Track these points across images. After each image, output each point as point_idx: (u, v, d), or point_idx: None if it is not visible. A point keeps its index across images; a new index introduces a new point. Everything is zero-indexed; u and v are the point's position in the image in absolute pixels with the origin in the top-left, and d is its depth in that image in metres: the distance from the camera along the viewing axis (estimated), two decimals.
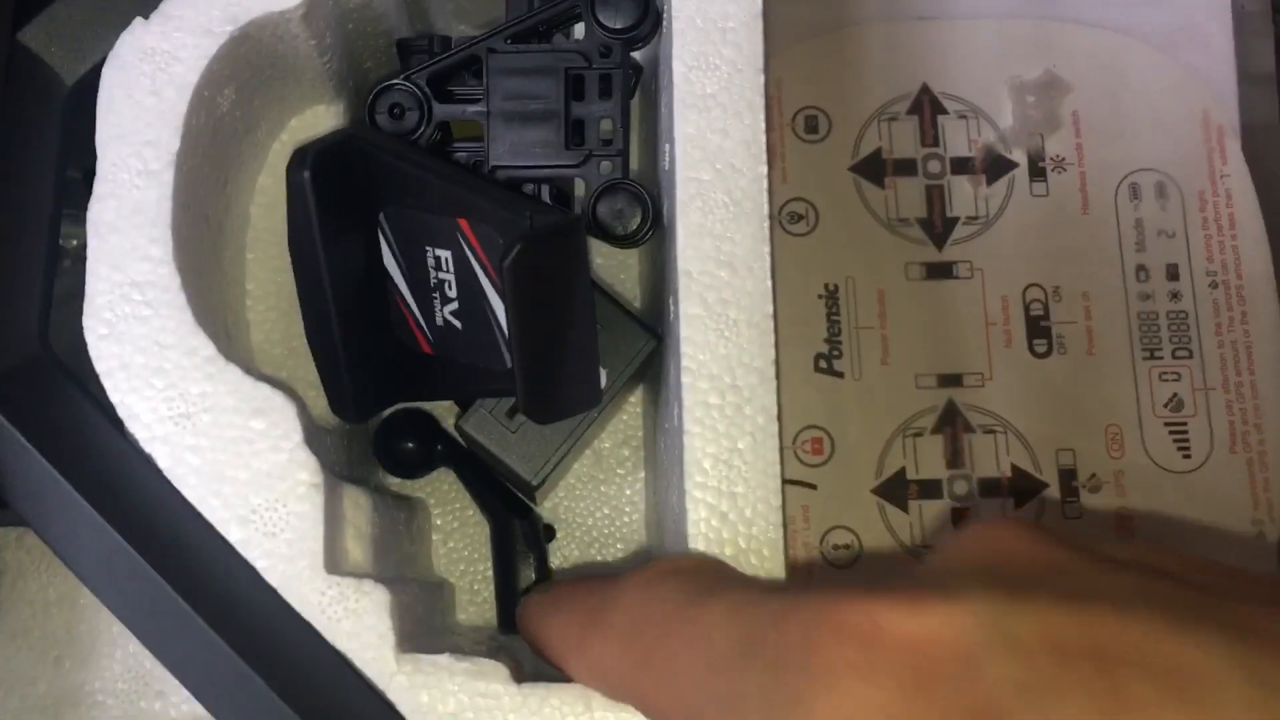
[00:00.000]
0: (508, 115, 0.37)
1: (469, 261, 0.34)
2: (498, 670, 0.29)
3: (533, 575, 0.41)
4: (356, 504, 0.32)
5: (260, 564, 0.30)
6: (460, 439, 0.39)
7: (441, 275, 0.35)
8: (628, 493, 0.43)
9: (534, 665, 0.32)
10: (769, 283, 0.32)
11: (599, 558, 0.42)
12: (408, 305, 0.36)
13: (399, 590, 0.30)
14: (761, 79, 0.33)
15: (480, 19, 0.43)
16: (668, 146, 0.34)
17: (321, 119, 0.39)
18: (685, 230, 0.32)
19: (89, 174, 0.33)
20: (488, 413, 0.37)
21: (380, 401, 0.36)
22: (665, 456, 0.35)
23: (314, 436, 0.31)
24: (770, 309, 0.31)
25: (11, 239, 0.32)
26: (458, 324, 0.35)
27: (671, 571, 0.28)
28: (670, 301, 0.33)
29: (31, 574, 0.34)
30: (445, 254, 0.34)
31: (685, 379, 0.31)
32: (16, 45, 0.33)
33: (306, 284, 0.34)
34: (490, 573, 0.42)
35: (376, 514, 0.33)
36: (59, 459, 0.30)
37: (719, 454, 0.30)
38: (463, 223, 0.34)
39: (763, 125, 0.32)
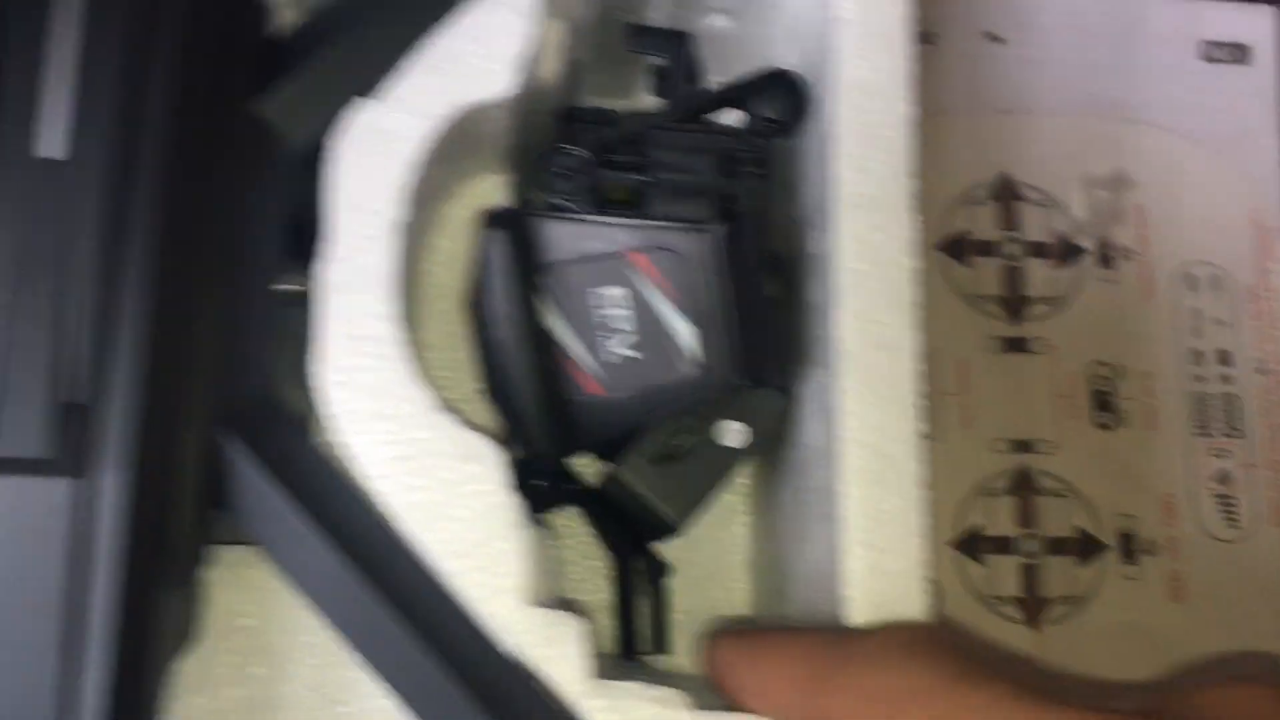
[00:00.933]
0: (663, 186, 0.41)
1: (642, 290, 0.38)
2: (680, 698, 0.33)
3: (647, 609, 0.45)
4: (540, 540, 0.36)
5: (471, 594, 0.33)
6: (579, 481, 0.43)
7: (612, 313, 0.38)
8: (730, 534, 0.47)
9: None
10: (917, 364, 0.36)
11: (704, 594, 0.46)
12: (574, 357, 0.39)
13: (585, 621, 0.34)
14: (914, 181, 0.37)
15: (621, 98, 0.47)
16: (819, 234, 0.38)
17: (489, 186, 0.43)
18: (847, 316, 0.36)
19: (297, 225, 0.37)
20: (643, 459, 0.40)
21: (570, 450, 0.40)
22: (803, 511, 0.39)
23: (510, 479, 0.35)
24: (917, 386, 0.36)
25: (247, 294, 0.35)
26: (636, 354, 0.38)
27: (910, 641, 0.29)
28: (823, 374, 0.37)
29: (232, 588, 0.38)
30: (616, 291, 0.38)
31: (844, 447, 0.35)
32: (251, 115, 0.36)
33: (497, 336, 0.38)
34: (603, 601, 0.46)
35: (550, 549, 0.37)
36: (292, 489, 0.34)
37: (872, 513, 0.35)
38: (633, 256, 0.38)
39: (915, 224, 0.37)
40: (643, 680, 0.33)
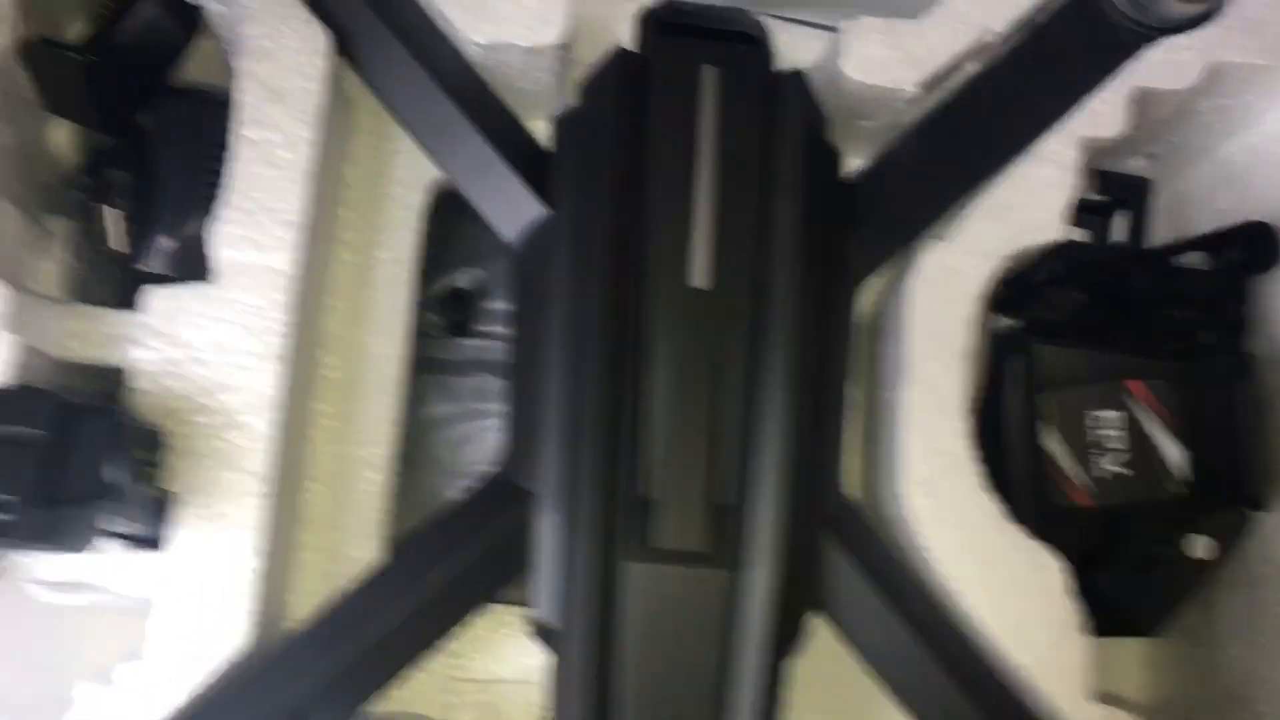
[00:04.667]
0: (1146, 319, 0.46)
1: (1138, 414, 0.43)
2: None
3: None
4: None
5: (1038, 688, 0.38)
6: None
7: (1103, 433, 0.43)
8: None
9: None
10: None
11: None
12: (1065, 468, 0.44)
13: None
14: None
15: None
16: None
17: None
18: None
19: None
20: (1122, 567, 0.45)
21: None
22: (1269, 622, 0.43)
23: None
24: None
25: (831, 409, 0.40)
26: (1126, 471, 0.43)
27: None
28: None
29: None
30: (1112, 414, 0.43)
31: None
32: (835, 249, 0.41)
33: (1002, 443, 0.43)
34: None
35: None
36: (882, 587, 0.38)
37: None
38: (1131, 384, 0.43)
39: None
40: None
